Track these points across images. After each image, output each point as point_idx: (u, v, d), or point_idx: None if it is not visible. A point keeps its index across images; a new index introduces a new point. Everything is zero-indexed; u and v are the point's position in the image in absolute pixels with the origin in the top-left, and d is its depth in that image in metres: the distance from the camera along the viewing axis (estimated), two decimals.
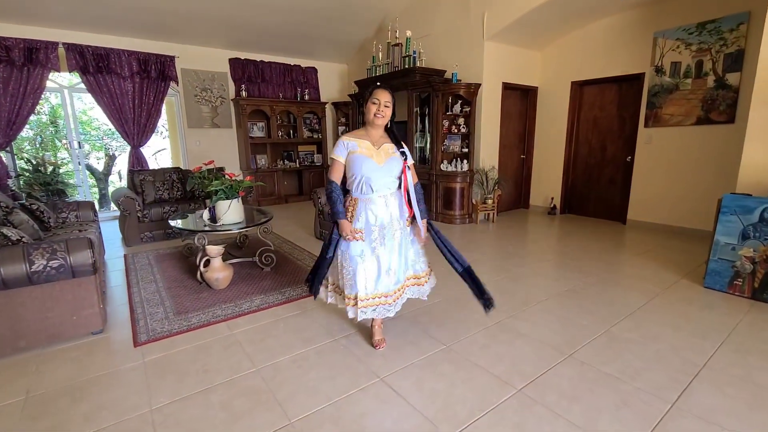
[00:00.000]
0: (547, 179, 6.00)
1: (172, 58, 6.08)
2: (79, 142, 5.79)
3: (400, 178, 2.10)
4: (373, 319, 2.24)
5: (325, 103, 7.61)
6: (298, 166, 7.44)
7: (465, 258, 2.17)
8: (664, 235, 4.62)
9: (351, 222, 2.09)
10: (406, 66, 5.50)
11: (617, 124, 5.25)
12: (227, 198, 3.12)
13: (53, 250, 2.16)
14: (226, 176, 3.13)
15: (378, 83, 2.07)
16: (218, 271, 2.96)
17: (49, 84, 5.31)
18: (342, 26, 6.34)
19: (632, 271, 3.40)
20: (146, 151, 6.14)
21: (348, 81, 7.76)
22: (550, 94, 5.79)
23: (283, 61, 7.20)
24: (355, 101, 7.04)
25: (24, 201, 3.25)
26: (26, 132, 7.13)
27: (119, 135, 5.97)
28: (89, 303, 2.32)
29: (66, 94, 5.61)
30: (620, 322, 2.47)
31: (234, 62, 6.72)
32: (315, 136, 7.63)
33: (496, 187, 5.33)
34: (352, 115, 7.31)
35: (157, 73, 5.98)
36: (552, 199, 5.91)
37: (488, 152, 5.47)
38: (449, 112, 5.23)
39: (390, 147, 2.09)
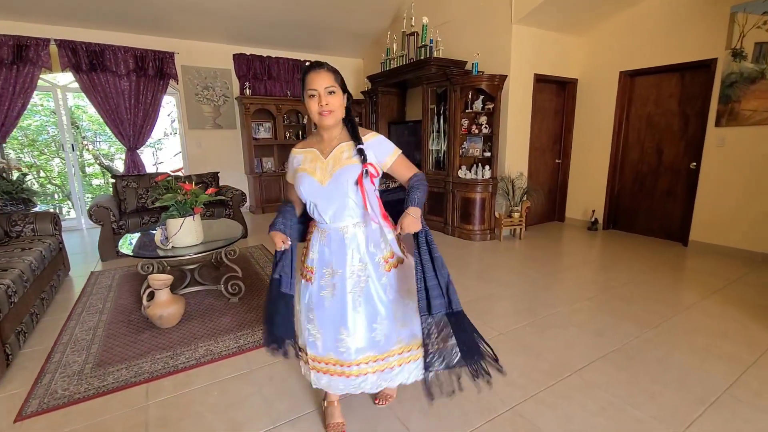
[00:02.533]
0: (588, 188, 5.08)
1: (171, 55, 5.68)
2: (72, 145, 5.51)
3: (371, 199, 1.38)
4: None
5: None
6: None
7: (458, 298, 1.41)
8: (741, 263, 3.64)
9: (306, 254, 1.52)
10: (421, 57, 4.78)
11: (678, 122, 4.28)
12: (181, 215, 2.55)
13: None
14: (181, 187, 2.56)
15: (308, 63, 1.40)
16: (163, 306, 2.40)
17: (40, 83, 5.03)
18: (355, 15, 5.71)
19: (707, 323, 2.52)
20: (164, 153, 5.79)
21: (364, 77, 7.12)
22: (592, 87, 4.88)
23: (292, 56, 6.67)
24: (368, 98, 6.41)
25: None
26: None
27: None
28: None
29: (59, 94, 5.33)
30: (702, 417, 1.66)
31: (238, 58, 6.25)
32: None
33: (524, 198, 4.51)
34: (366, 113, 6.67)
35: (155, 70, 5.60)
36: (593, 212, 4.99)
37: (515, 156, 4.65)
38: (469, 110, 4.46)
39: (347, 150, 1.38)
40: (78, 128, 7.53)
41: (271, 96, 6.46)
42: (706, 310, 2.68)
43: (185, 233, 2.56)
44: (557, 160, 5.29)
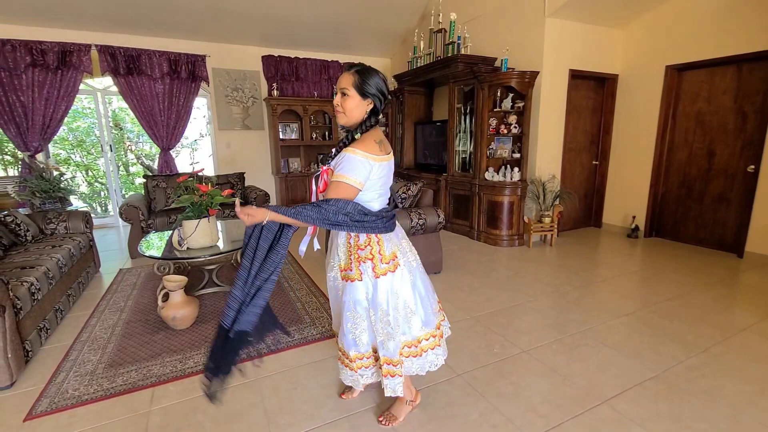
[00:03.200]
0: (628, 192, 4.71)
1: (203, 58, 5.82)
2: (110, 146, 5.76)
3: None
4: None
5: None
6: None
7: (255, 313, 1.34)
8: None
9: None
10: (449, 55, 4.62)
11: (734, 120, 3.86)
12: (197, 217, 2.55)
13: None
14: (198, 188, 2.56)
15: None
16: (176, 308, 2.40)
17: (82, 87, 5.30)
18: (383, 14, 5.62)
19: (765, 349, 2.21)
20: (199, 154, 5.98)
21: (391, 76, 7.02)
22: (635, 83, 4.51)
23: (319, 57, 6.67)
24: (395, 98, 6.30)
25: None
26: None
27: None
28: None
29: (99, 97, 5.59)
30: None
31: (267, 60, 6.32)
32: None
33: (556, 202, 4.24)
34: (392, 113, 6.56)
35: (187, 73, 5.76)
36: (633, 217, 4.62)
37: (547, 158, 4.38)
38: (497, 108, 4.25)
39: None
40: (121, 129, 7.95)
41: (299, 97, 6.49)
42: (764, 333, 2.37)
43: (200, 235, 2.56)
44: (594, 162, 4.95)
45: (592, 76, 4.53)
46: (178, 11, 4.91)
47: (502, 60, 4.15)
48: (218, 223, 3.15)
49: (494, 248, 4.24)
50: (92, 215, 4.53)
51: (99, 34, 5.24)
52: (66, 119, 5.29)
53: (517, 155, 4.26)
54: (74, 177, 7.77)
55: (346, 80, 1.36)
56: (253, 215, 1.26)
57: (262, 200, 4.69)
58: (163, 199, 4.48)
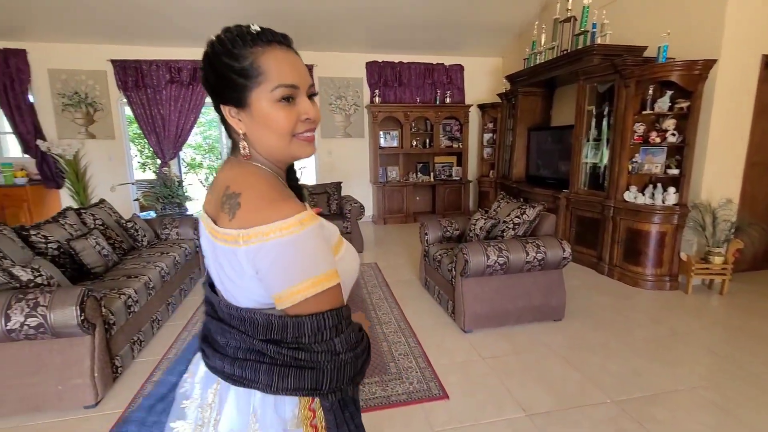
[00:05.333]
0: None
1: (311, 67, 5.92)
2: (224, 152, 6.22)
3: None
4: None
5: (470, 106, 6.36)
6: (432, 180, 6.44)
7: None
8: None
9: None
10: (579, 47, 3.81)
11: None
12: None
13: (35, 303, 1.73)
14: None
15: (269, 31, 0.70)
16: None
17: (207, 100, 5.80)
18: (497, 7, 4.98)
19: None
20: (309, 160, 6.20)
21: (502, 77, 6.31)
22: None
23: (423, 60, 6.31)
24: (505, 101, 5.61)
25: (123, 219, 3.23)
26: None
27: None
28: (78, 371, 1.84)
29: None
30: None
31: (371, 66, 6.18)
32: (455, 145, 6.48)
33: (732, 236, 3.12)
34: (502, 118, 5.87)
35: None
36: None
37: (720, 175, 3.27)
38: (648, 110, 3.31)
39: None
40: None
41: (400, 103, 6.23)
42: None
43: None
44: None
45: None
46: (295, 23, 5.02)
47: (660, 47, 3.19)
48: None
49: (633, 290, 3.30)
50: None
51: None
52: (201, 128, 5.87)
53: (673, 171, 3.26)
54: (207, 178, 8.88)
55: (306, 70, 0.72)
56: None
57: (357, 213, 4.48)
58: None
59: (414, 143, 6.34)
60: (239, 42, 0.65)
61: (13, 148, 5.47)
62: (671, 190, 3.23)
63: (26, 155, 5.21)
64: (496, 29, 5.62)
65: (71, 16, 4.59)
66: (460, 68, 6.47)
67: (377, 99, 6.06)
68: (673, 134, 3.23)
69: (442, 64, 6.36)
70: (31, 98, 5.15)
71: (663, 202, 3.24)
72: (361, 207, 4.55)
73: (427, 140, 6.42)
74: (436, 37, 5.69)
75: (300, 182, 0.85)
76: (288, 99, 0.67)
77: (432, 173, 6.53)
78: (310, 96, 0.72)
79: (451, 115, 6.34)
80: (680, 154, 3.24)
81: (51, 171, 5.26)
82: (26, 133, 5.14)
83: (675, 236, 3.24)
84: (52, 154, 5.03)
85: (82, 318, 1.77)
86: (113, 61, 5.29)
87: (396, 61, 6.23)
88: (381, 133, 6.22)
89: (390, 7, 4.85)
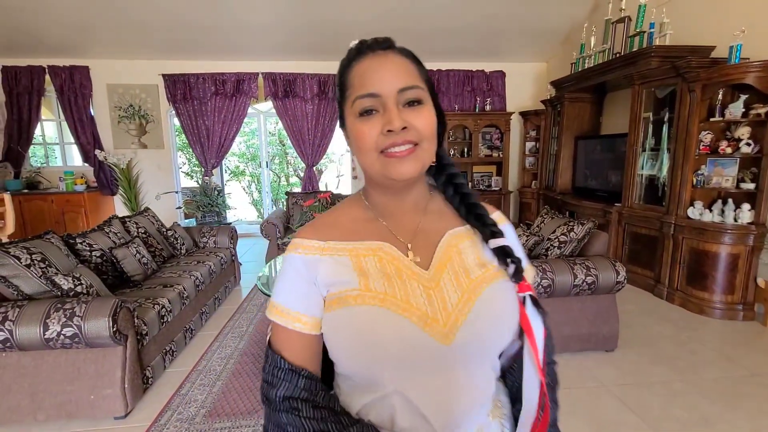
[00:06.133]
0: None
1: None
2: (267, 162, 6.37)
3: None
4: None
5: (511, 114, 6.10)
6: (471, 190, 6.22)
7: None
8: None
9: None
10: (634, 49, 3.51)
11: None
12: None
13: (72, 313, 1.77)
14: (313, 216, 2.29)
15: (362, 42, 0.63)
16: None
17: (249, 110, 5.98)
18: (544, 9, 4.73)
19: None
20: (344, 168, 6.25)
21: (547, 83, 6.01)
22: None
23: (463, 67, 6.14)
24: (550, 108, 5.33)
25: (164, 227, 3.33)
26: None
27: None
28: (110, 381, 1.86)
29: (262, 119, 6.24)
30: None
31: None
32: (494, 154, 6.23)
33: None
34: (545, 126, 5.57)
35: (333, 93, 5.95)
36: None
37: None
38: (717, 117, 2.96)
39: (470, 242, 0.65)
40: (284, 145, 9.04)
41: None
42: None
43: None
44: None
45: None
46: (333, 34, 5.07)
47: (732, 47, 2.85)
48: None
49: (699, 318, 2.93)
50: (257, 218, 5.02)
51: (263, 62, 5.83)
52: (244, 137, 6.06)
53: (748, 185, 2.88)
54: (249, 185, 9.20)
55: (406, 71, 0.60)
56: None
57: None
58: (299, 217, 4.60)
59: (452, 152, 6.17)
60: (344, 61, 0.64)
61: (76, 157, 5.91)
62: (745, 206, 2.85)
63: (86, 164, 5.61)
64: (541, 33, 5.36)
65: (129, 35, 4.90)
66: (501, 75, 6.24)
67: None
68: (748, 144, 2.85)
69: (482, 70, 6.16)
70: (91, 111, 5.54)
71: (735, 220, 2.87)
72: None
73: (466, 149, 6.22)
74: (475, 42, 5.53)
75: (467, 194, 0.70)
76: (370, 111, 0.58)
77: (470, 183, 6.32)
78: (412, 103, 0.59)
79: (491, 123, 6.10)
80: (756, 166, 2.86)
81: (107, 179, 5.61)
82: (86, 144, 5.53)
83: (750, 259, 2.85)
84: (108, 163, 5.37)
85: (114, 329, 1.79)
86: (164, 75, 5.59)
87: (434, 68, 6.11)
88: None
89: (428, 14, 4.76)
